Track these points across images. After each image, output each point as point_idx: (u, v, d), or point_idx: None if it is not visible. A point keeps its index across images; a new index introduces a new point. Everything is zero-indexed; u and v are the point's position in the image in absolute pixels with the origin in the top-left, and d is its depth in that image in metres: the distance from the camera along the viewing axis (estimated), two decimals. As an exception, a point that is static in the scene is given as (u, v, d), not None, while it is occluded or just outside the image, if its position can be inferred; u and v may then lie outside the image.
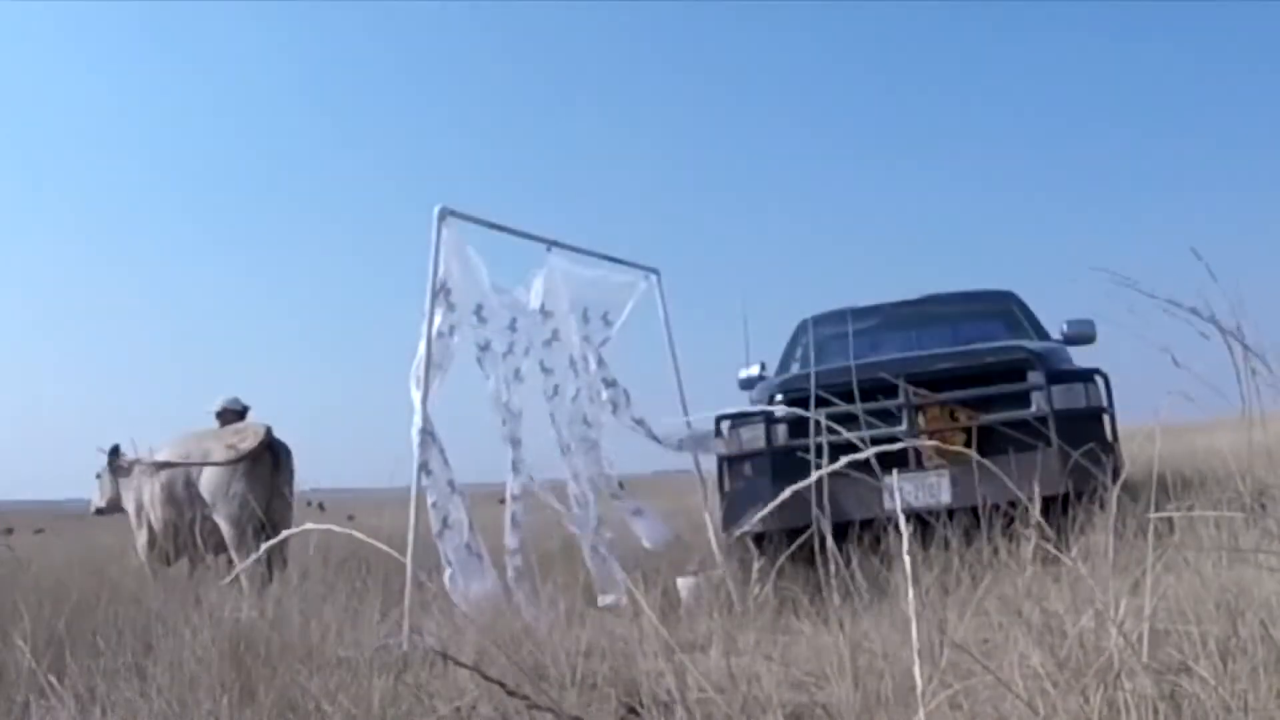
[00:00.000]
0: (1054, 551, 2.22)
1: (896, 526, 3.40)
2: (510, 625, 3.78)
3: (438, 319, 4.70)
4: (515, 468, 5.08)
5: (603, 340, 5.82)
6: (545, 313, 5.48)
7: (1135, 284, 2.02)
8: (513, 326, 5.24)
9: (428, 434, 4.58)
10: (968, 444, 4.86)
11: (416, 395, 4.61)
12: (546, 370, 5.46)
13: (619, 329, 5.95)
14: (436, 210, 4.73)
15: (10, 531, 6.60)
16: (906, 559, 1.61)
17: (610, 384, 5.73)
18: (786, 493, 1.70)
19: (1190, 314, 1.96)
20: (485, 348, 5.07)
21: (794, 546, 2.93)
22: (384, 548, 1.91)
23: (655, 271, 6.34)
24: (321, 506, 17.23)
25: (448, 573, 4.47)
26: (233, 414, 6.77)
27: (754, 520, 1.78)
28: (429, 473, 4.55)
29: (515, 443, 5.13)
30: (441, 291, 4.72)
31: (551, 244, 5.54)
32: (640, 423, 5.77)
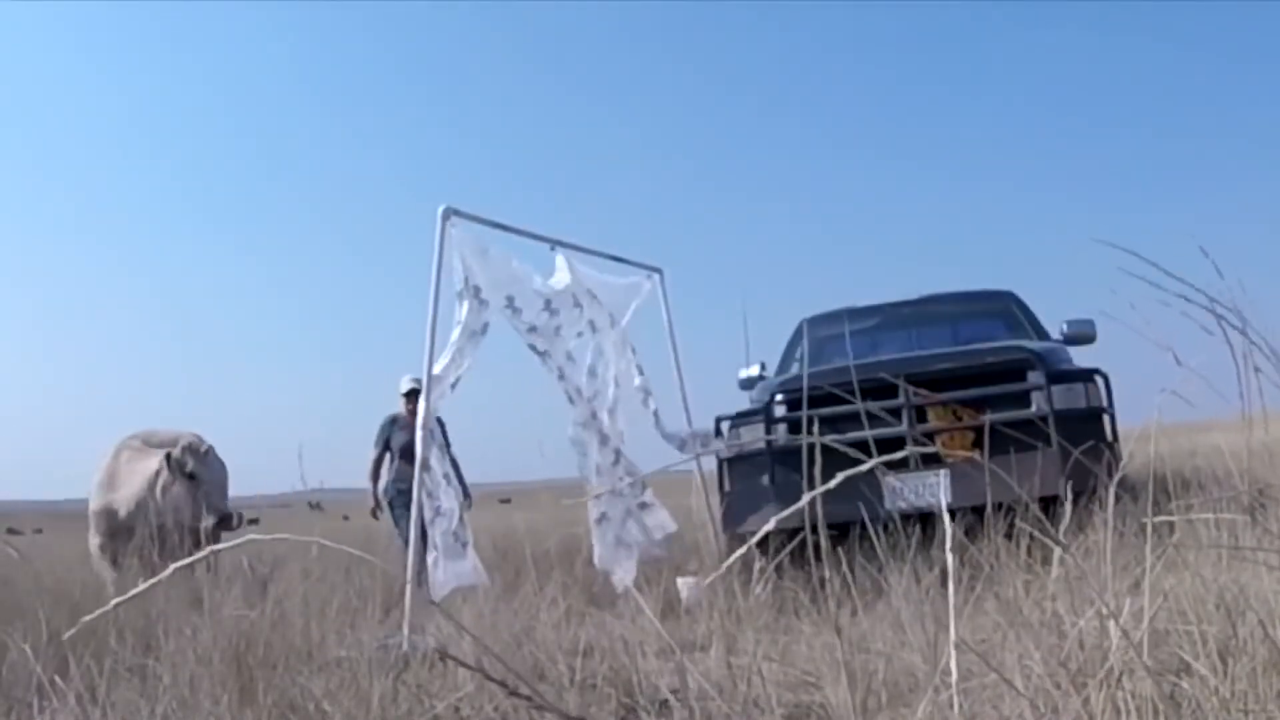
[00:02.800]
0: (1055, 549, 2.22)
1: (897, 526, 3.41)
2: (510, 625, 3.78)
3: (464, 312, 4.70)
4: (618, 458, 5.26)
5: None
6: (577, 304, 5.48)
7: (1135, 254, 2.00)
8: (549, 309, 5.23)
9: (429, 431, 4.59)
10: (975, 443, 4.85)
11: (430, 392, 4.63)
12: (573, 362, 5.48)
13: (622, 330, 6.02)
14: (441, 210, 4.72)
15: (15, 532, 6.56)
16: (949, 556, 1.60)
17: (641, 372, 5.84)
18: (806, 497, 1.68)
19: (1191, 294, 1.94)
20: (534, 330, 5.12)
21: (788, 549, 2.93)
22: (357, 552, 1.88)
23: (658, 271, 6.35)
24: (319, 507, 17.11)
25: (432, 557, 4.49)
26: (416, 394, 7.23)
27: (771, 520, 1.73)
28: (429, 468, 4.56)
29: (604, 438, 5.26)
30: (467, 290, 4.71)
31: (555, 244, 5.53)
32: (657, 414, 5.93)
